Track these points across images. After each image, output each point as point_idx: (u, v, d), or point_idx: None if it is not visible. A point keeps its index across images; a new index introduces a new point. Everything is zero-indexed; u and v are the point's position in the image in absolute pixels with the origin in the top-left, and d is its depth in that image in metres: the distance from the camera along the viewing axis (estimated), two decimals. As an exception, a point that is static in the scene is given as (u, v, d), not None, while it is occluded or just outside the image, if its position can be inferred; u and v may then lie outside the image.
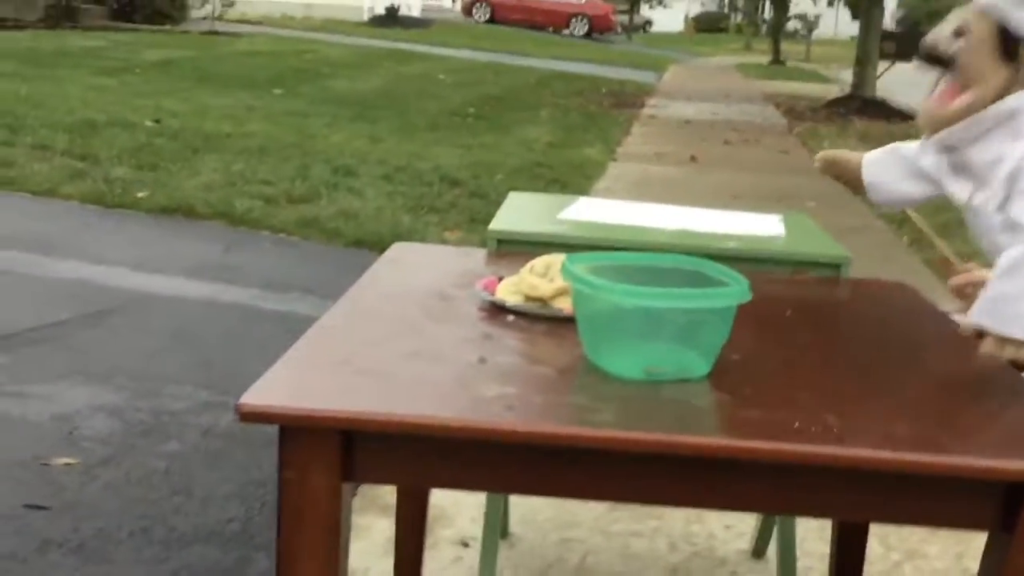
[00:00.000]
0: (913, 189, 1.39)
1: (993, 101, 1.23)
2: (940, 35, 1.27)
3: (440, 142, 7.98)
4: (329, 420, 1.07)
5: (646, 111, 12.12)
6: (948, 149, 1.30)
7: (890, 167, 1.46)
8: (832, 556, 1.89)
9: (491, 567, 1.98)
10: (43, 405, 2.80)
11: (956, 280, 1.31)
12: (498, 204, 2.26)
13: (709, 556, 2.29)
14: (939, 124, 1.27)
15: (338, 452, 1.09)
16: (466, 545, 2.25)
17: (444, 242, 4.82)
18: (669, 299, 1.22)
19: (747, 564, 2.26)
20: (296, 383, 1.15)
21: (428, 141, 7.97)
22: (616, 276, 1.33)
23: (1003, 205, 1.21)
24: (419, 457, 1.11)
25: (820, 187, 6.95)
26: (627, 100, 13.26)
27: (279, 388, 1.13)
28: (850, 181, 1.52)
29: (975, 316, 1.18)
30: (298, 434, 1.09)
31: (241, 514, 2.33)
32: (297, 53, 14.36)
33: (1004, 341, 1.15)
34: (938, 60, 1.27)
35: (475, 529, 2.24)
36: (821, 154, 1.50)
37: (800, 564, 2.16)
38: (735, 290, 1.23)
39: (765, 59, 26.94)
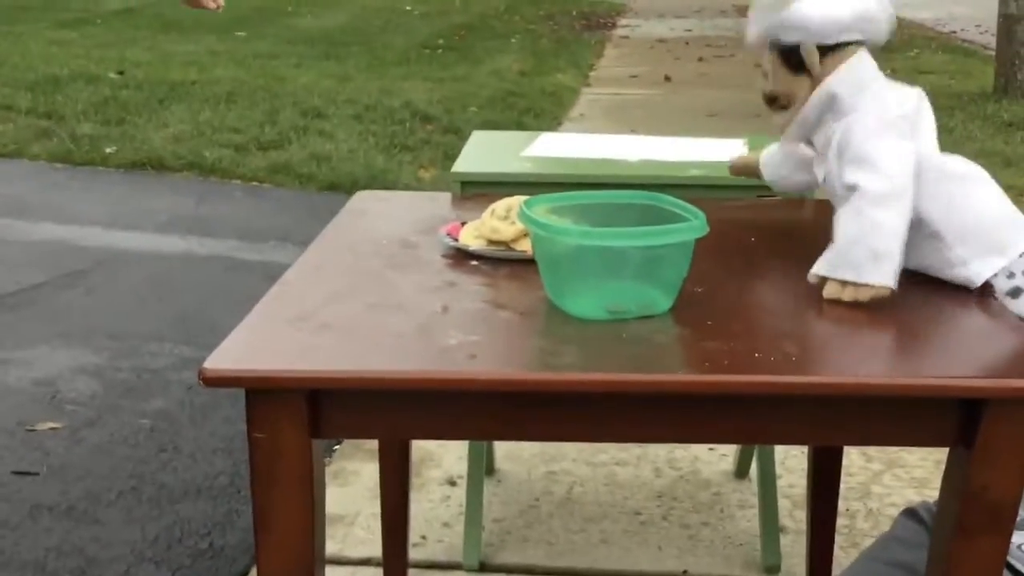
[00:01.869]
0: (805, 178, 1.51)
1: None
2: (763, 86, 1.42)
3: (410, 76, 7.89)
4: (292, 381, 1.08)
5: (618, 32, 11.98)
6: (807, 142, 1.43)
7: (782, 163, 1.58)
8: (809, 473, 1.93)
9: (477, 504, 2.02)
10: (24, 370, 2.81)
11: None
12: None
13: (693, 479, 2.33)
14: (785, 130, 1.41)
15: (305, 410, 1.10)
16: (454, 484, 2.28)
17: (419, 181, 4.80)
18: (625, 238, 1.22)
19: (730, 484, 2.31)
20: (258, 344, 1.16)
21: (398, 76, 7.88)
22: (574, 215, 1.33)
23: (838, 178, 1.32)
24: (386, 410, 1.12)
25: (794, 100, 6.91)
26: (598, 21, 13.08)
27: (242, 351, 1.14)
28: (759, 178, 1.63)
29: (815, 269, 1.29)
30: (264, 396, 1.09)
31: (228, 468, 2.35)
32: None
33: (843, 284, 1.26)
34: (770, 101, 1.41)
35: (462, 467, 2.27)
36: (731, 163, 1.67)
37: (782, 481, 2.21)
38: (692, 225, 1.23)
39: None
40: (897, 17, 1.36)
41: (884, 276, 1.23)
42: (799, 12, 1.31)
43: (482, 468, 2.03)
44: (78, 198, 4.53)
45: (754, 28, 1.38)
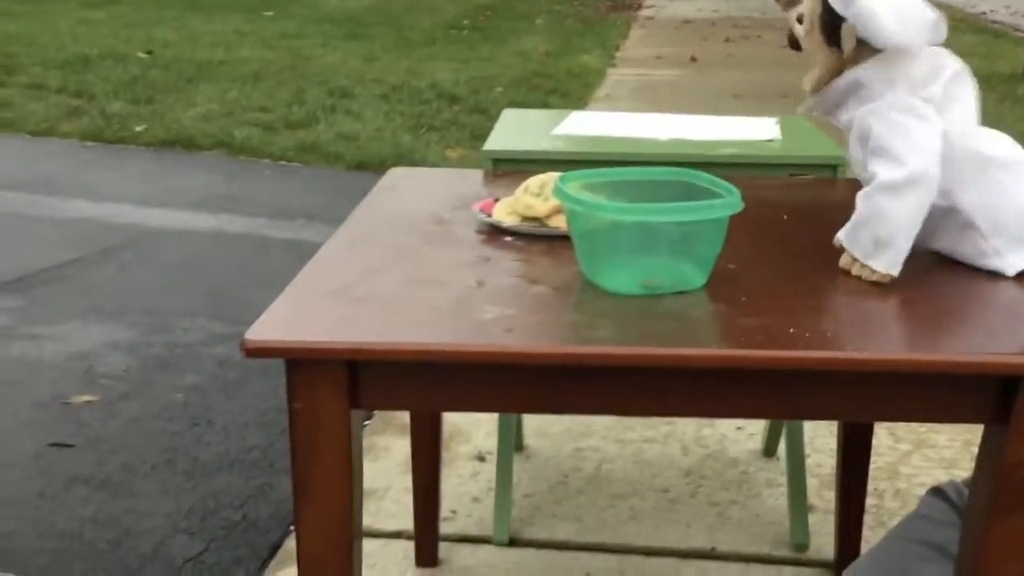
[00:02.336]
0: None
1: (830, 80, 1.34)
2: (791, 18, 1.38)
3: (436, 57, 7.89)
4: (332, 351, 1.10)
5: (644, 12, 11.92)
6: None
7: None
8: (839, 451, 1.93)
9: (507, 480, 2.04)
10: (59, 345, 2.85)
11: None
12: (497, 119, 2.26)
13: (721, 457, 2.34)
14: (808, 95, 1.39)
15: (344, 381, 1.11)
16: (483, 459, 2.30)
17: (446, 160, 4.82)
18: (661, 213, 1.23)
19: (758, 463, 2.32)
20: (298, 315, 1.17)
21: (424, 56, 7.88)
22: (609, 192, 1.34)
23: (860, 164, 1.33)
24: (423, 382, 1.14)
25: (823, 81, 6.87)
26: (624, 2, 13.02)
27: (282, 321, 1.15)
28: None
29: (839, 234, 1.32)
30: (304, 366, 1.11)
31: (261, 441, 2.38)
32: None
33: (853, 259, 1.29)
34: (792, 44, 1.40)
35: (491, 443, 2.29)
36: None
37: (810, 460, 2.21)
38: (727, 201, 1.24)
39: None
40: None
41: (886, 264, 1.26)
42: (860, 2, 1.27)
43: (511, 444, 2.05)
44: (109, 176, 4.58)
45: None
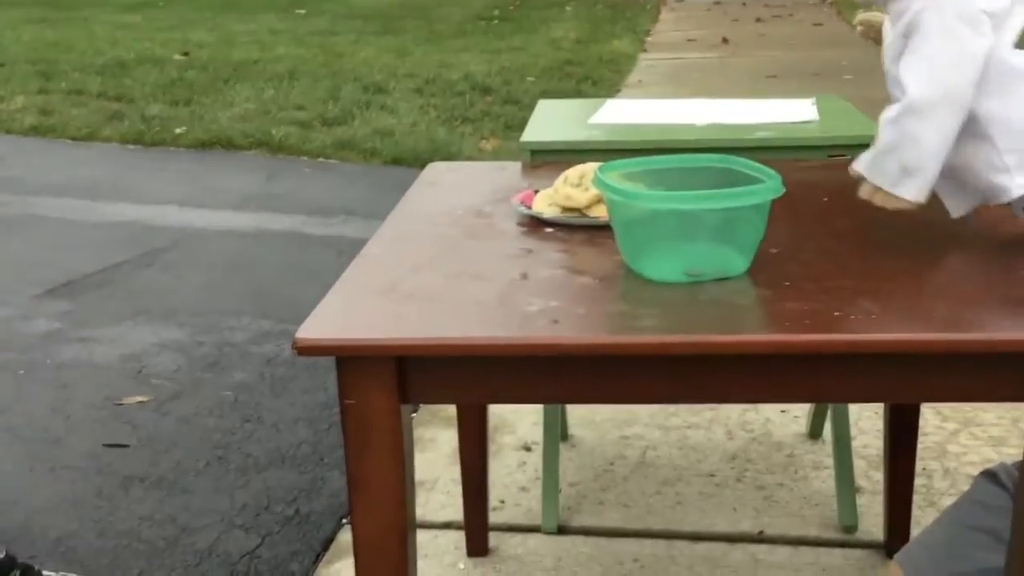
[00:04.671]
0: None
1: None
2: None
3: (468, 48, 7.90)
4: (381, 349, 1.12)
5: (675, -5, 11.84)
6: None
7: None
8: (886, 432, 1.93)
9: (554, 469, 2.05)
10: (110, 347, 2.91)
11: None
12: (531, 109, 2.27)
13: (766, 441, 2.34)
14: None
15: (393, 377, 1.13)
16: (528, 450, 2.32)
17: (480, 152, 4.83)
18: (702, 200, 1.23)
19: (804, 446, 2.32)
20: (347, 313, 1.19)
21: (456, 49, 7.90)
22: (648, 180, 1.35)
23: (897, 60, 1.25)
24: (471, 376, 1.15)
25: (857, 59, 6.80)
26: (655, -15, 12.93)
27: (331, 320, 1.17)
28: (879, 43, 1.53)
29: (856, 165, 1.28)
30: (354, 363, 1.13)
31: (310, 437, 2.42)
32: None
33: (875, 188, 1.25)
34: None
35: (536, 434, 2.31)
36: (860, 17, 1.50)
37: (856, 442, 2.21)
38: (768, 186, 1.24)
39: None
40: None
41: (913, 192, 1.22)
42: None
43: (557, 433, 2.07)
44: (152, 178, 4.64)
45: None
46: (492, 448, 2.24)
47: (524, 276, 1.29)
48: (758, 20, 9.46)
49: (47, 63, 7.03)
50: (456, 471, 2.03)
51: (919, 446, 1.96)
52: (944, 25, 1.20)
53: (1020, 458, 1.26)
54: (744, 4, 10.69)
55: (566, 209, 1.47)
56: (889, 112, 1.24)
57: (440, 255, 1.37)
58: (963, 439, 2.31)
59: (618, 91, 6.39)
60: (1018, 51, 1.26)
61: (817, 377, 1.14)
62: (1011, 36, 1.26)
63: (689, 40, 8.45)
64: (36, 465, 2.31)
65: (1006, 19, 1.23)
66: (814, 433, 2.34)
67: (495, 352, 1.13)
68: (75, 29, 8.76)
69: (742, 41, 8.26)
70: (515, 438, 2.37)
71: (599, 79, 6.66)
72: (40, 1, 10.87)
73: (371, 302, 1.22)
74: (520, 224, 1.48)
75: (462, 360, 1.14)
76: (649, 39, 8.62)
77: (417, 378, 1.15)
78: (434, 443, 2.34)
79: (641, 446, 2.33)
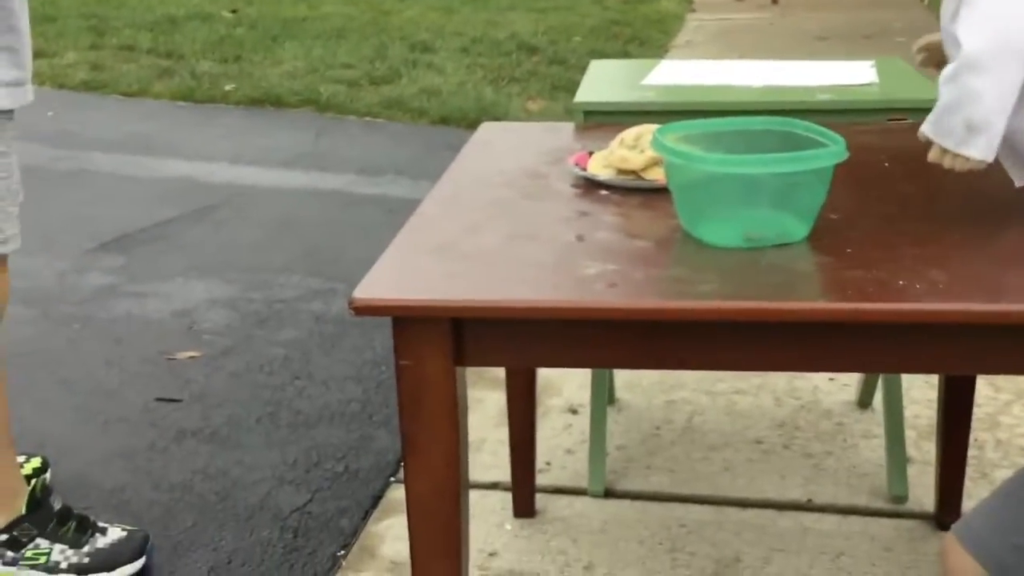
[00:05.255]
0: None
1: None
2: None
3: (514, 7, 7.83)
4: (439, 310, 1.12)
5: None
6: None
7: None
8: (940, 402, 1.90)
9: (601, 432, 2.05)
10: (162, 302, 2.94)
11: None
12: (578, 69, 2.25)
13: (815, 409, 2.32)
14: None
15: (449, 338, 1.13)
16: (575, 412, 2.32)
17: (527, 113, 4.80)
18: (764, 164, 1.21)
19: (853, 415, 2.29)
20: (403, 273, 1.19)
21: (502, 7, 7.84)
22: (707, 143, 1.33)
23: (954, 17, 1.21)
24: (527, 339, 1.15)
25: (910, 19, 6.65)
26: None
27: (387, 280, 1.17)
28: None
29: (923, 128, 1.23)
30: (410, 324, 1.13)
31: (359, 394, 2.44)
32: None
33: (943, 150, 1.21)
34: None
35: (583, 396, 2.31)
36: (921, 43, 1.45)
37: (907, 412, 2.18)
38: (831, 150, 1.21)
39: None
40: None
41: (980, 150, 1.18)
42: None
43: (604, 397, 2.06)
44: (202, 135, 4.67)
45: None
46: (539, 410, 2.25)
47: (580, 238, 1.28)
48: (811, -20, 9.26)
49: (98, 18, 7.08)
50: (503, 432, 2.03)
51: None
52: None
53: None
54: (797, -37, 10.46)
55: (621, 171, 1.46)
56: (947, 70, 1.21)
57: (496, 216, 1.36)
58: (1016, 410, 2.28)
59: (666, 52, 6.31)
60: None
61: (877, 347, 1.12)
62: None
63: (738, 0, 8.30)
64: (91, 418, 2.35)
65: None
66: (863, 402, 2.32)
67: (552, 315, 1.12)
68: (125, -15, 8.79)
69: (792, 2, 8.10)
70: (562, 400, 2.38)
71: (646, 39, 6.58)
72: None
73: (427, 262, 1.22)
74: (575, 186, 1.47)
75: (518, 323, 1.14)
76: (698, -1, 8.49)
77: (473, 340, 1.15)
78: (482, 404, 2.35)
79: (688, 411, 2.33)
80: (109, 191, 3.93)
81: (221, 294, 2.98)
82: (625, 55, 6.00)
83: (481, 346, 1.16)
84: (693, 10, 7.94)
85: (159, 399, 2.42)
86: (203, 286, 3.04)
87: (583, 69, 2.32)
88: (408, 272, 1.20)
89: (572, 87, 2.07)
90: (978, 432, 2.17)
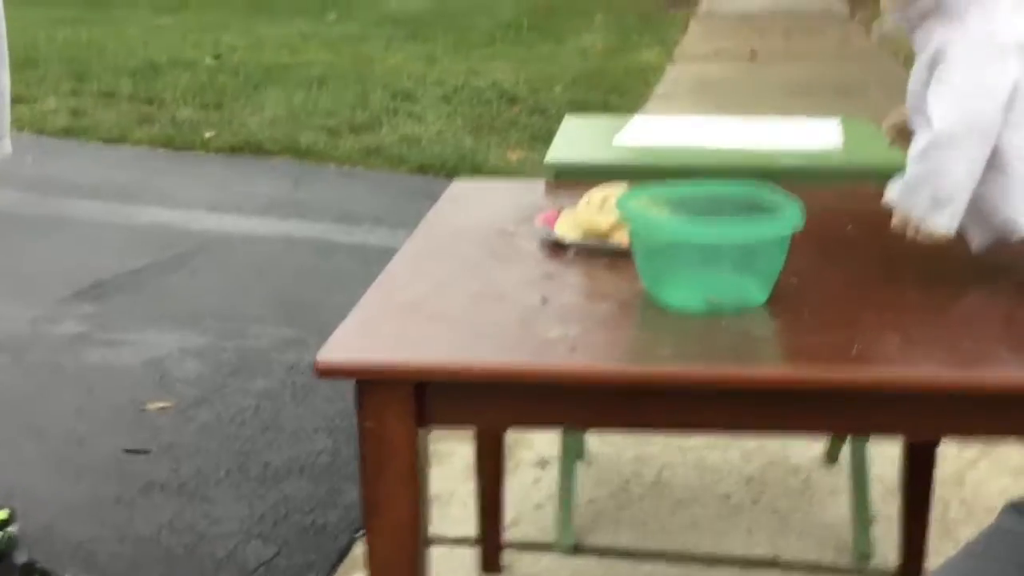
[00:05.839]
0: None
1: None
2: None
3: (496, 56, 7.92)
4: (401, 373, 1.13)
5: (703, 7, 11.82)
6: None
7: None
8: (903, 460, 1.92)
9: (570, 487, 2.06)
10: (135, 351, 2.94)
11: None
12: (557, 119, 2.28)
13: (783, 464, 2.34)
14: (887, 9, 1.33)
15: (412, 400, 1.15)
16: (544, 466, 2.33)
17: (507, 163, 4.85)
18: (723, 231, 1.24)
19: (820, 470, 2.31)
20: (367, 334, 1.21)
21: (484, 56, 7.92)
22: (672, 206, 1.35)
23: (921, 90, 1.26)
24: (489, 401, 1.16)
25: (884, 73, 6.77)
26: (685, -4, 12.92)
27: (352, 341, 1.19)
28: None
29: (887, 195, 1.29)
30: (374, 386, 1.15)
31: (329, 447, 2.44)
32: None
33: (908, 220, 1.26)
34: None
35: (553, 450, 2.32)
36: (889, 122, 1.48)
37: (874, 468, 2.19)
38: (788, 218, 1.24)
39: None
40: None
41: (945, 222, 1.23)
42: None
43: (574, 451, 2.07)
44: (180, 182, 4.69)
45: None
46: (509, 464, 2.25)
47: (544, 300, 1.30)
48: (786, 33, 9.43)
49: (80, 64, 7.11)
50: (472, 486, 2.04)
51: (937, 474, 1.95)
52: (970, 56, 1.21)
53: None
54: (772, 17, 10.65)
55: (588, 233, 1.48)
56: (917, 144, 1.25)
57: (462, 275, 1.38)
58: (982, 468, 2.30)
59: (645, 102, 6.39)
60: None
61: (834, 411, 1.14)
62: None
63: (716, 51, 8.43)
64: (60, 467, 2.34)
65: None
66: (831, 457, 2.34)
67: (512, 379, 1.14)
68: (107, 30, 8.85)
69: (770, 55, 8.23)
70: (532, 454, 2.38)
71: (626, 90, 6.66)
72: (77, 2, 11.00)
73: (392, 324, 1.23)
74: (542, 246, 1.49)
75: (481, 386, 1.15)
76: (677, 50, 8.60)
77: (436, 402, 1.16)
78: (451, 457, 2.35)
79: (658, 465, 2.34)
80: (86, 238, 3.93)
81: (194, 343, 2.98)
82: (605, 105, 6.08)
83: (444, 408, 1.17)
84: (673, 61, 8.05)
85: (127, 450, 2.41)
86: (176, 335, 3.04)
87: (563, 118, 2.36)
88: (372, 333, 1.21)
89: (551, 137, 2.10)
90: (944, 489, 2.18)
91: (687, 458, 2.36)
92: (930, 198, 1.23)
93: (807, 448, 2.39)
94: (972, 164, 1.21)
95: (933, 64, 1.24)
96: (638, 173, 1.92)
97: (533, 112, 5.93)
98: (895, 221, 1.28)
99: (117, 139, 5.38)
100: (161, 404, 2.63)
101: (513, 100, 6.25)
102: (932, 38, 1.24)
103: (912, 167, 1.25)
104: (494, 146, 5.17)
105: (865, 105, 5.52)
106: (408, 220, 1.54)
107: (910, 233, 1.26)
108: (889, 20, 1.33)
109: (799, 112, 2.33)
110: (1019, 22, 1.21)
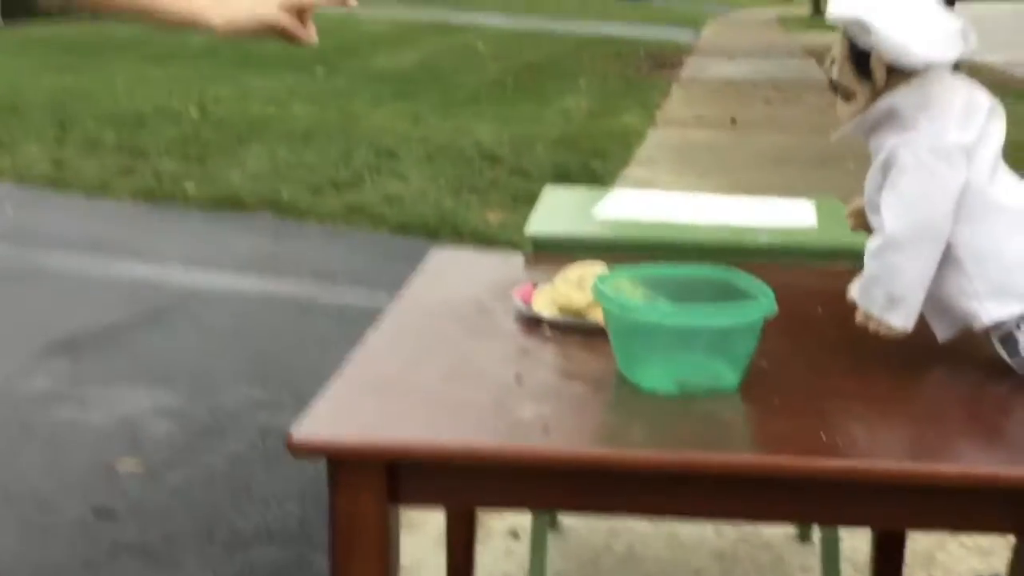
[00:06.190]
0: None
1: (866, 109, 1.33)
2: (825, 62, 1.39)
3: (480, 116, 8.01)
4: (373, 453, 1.13)
5: (685, 72, 12.02)
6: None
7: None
8: (873, 540, 1.93)
9: (541, 558, 2.05)
10: (106, 409, 2.91)
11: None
12: (539, 181, 2.30)
13: (755, 541, 2.33)
14: (841, 125, 1.39)
15: (383, 479, 1.15)
16: (517, 537, 2.32)
17: (487, 224, 4.87)
18: (696, 317, 1.26)
19: (792, 547, 2.31)
20: (340, 412, 1.21)
21: (468, 115, 8.00)
22: (648, 286, 1.37)
23: (877, 190, 1.33)
24: (462, 480, 1.17)
25: (861, 147, 6.89)
26: (666, 61, 13.15)
27: (325, 419, 1.19)
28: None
29: (851, 291, 1.36)
30: (346, 464, 1.15)
31: (299, 513, 2.41)
32: (338, 29, 14.40)
33: (868, 316, 1.32)
34: (832, 88, 1.38)
35: (525, 520, 2.31)
36: (851, 208, 1.52)
37: (845, 545, 2.20)
38: (761, 305, 1.27)
39: (805, 10, 26.49)
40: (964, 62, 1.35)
41: (900, 320, 1.29)
42: (878, 27, 1.26)
43: (545, 523, 2.06)
44: (159, 236, 4.68)
45: (837, 7, 1.32)
46: (480, 533, 2.24)
47: (519, 378, 1.30)
48: (767, 102, 9.59)
49: (64, 111, 7.13)
50: (442, 556, 2.02)
51: (907, 552, 1.96)
52: (918, 161, 1.27)
53: (1006, 570, 1.27)
54: (754, 85, 10.84)
55: (564, 310, 1.49)
56: (872, 243, 1.32)
57: (437, 352, 1.39)
58: (952, 548, 2.30)
59: (626, 166, 6.47)
60: (1002, 181, 1.32)
61: (802, 499, 1.15)
62: (990, 159, 1.31)
63: (698, 117, 8.56)
64: (26, 528, 2.30)
65: (977, 149, 1.29)
66: (803, 535, 2.34)
67: (483, 460, 1.14)
68: (95, 78, 8.89)
69: (750, 122, 8.36)
70: (504, 524, 2.37)
71: (608, 154, 6.74)
72: (65, 48, 11.06)
73: (365, 401, 1.24)
74: (518, 322, 1.50)
75: (452, 466, 1.16)
76: (659, 114, 8.72)
77: (408, 481, 1.16)
78: (423, 526, 2.34)
79: (629, 538, 2.33)
80: (62, 292, 3.91)
81: (166, 403, 2.96)
82: (586, 168, 6.14)
83: (415, 487, 1.17)
84: (655, 126, 8.16)
85: (96, 512, 2.38)
86: (149, 394, 3.02)
87: (544, 180, 2.38)
88: (345, 411, 1.22)
89: (532, 199, 2.12)
90: (913, 568, 2.19)
91: (659, 530, 2.36)
92: (885, 297, 1.30)
93: (779, 525, 2.39)
94: (924, 264, 1.28)
95: (886, 168, 1.31)
96: (616, 247, 1.94)
97: (514, 173, 5.98)
98: (858, 317, 1.34)
99: (99, 189, 5.37)
100: (130, 464, 2.60)
101: (495, 160, 6.30)
102: (885, 144, 1.31)
103: (869, 264, 1.32)
104: (475, 207, 5.20)
105: (843, 178, 5.61)
106: (387, 281, 1.55)
107: (872, 328, 1.32)
108: (846, 127, 1.39)
109: (777, 180, 2.37)
110: (966, 128, 1.29)
